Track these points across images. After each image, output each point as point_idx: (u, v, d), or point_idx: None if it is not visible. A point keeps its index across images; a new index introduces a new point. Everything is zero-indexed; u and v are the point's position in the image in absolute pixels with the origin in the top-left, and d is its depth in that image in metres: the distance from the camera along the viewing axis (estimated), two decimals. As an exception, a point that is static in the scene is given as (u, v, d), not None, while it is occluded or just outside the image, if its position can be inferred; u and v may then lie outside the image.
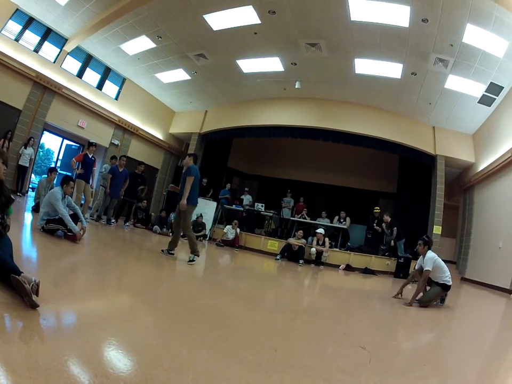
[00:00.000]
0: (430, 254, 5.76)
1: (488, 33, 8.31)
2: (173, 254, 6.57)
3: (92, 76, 13.05)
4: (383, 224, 11.45)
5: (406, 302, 5.70)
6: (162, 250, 6.59)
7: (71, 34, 11.48)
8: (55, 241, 5.22)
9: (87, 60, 12.65)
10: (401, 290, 6.03)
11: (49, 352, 1.79)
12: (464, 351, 3.54)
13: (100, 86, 13.28)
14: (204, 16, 9.63)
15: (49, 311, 2.37)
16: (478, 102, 11.07)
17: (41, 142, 13.25)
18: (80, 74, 12.57)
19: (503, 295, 8.83)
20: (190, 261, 6.21)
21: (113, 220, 10.12)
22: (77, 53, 12.22)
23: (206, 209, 12.38)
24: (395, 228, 11.00)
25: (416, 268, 6.10)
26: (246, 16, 9.40)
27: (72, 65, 12.37)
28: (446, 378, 2.68)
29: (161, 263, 6.19)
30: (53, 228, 5.49)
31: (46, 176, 9.16)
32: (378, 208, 12.21)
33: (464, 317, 6.01)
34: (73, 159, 9.31)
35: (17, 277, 2.32)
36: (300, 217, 12.96)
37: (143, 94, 14.48)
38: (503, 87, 10.11)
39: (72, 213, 5.81)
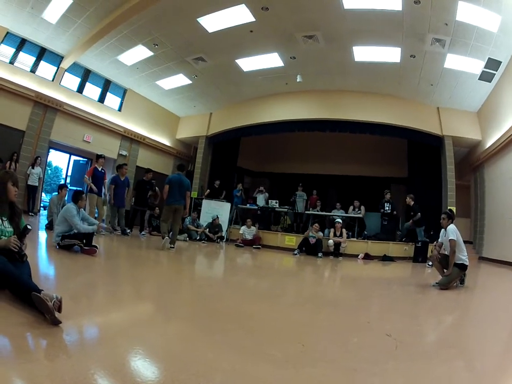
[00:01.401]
0: (452, 226, 5.80)
1: (480, 9, 8.26)
2: (173, 247, 8.08)
3: (92, 90, 13.18)
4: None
5: (430, 285, 5.79)
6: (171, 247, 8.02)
7: (67, 51, 11.60)
8: (72, 257, 5.28)
9: (86, 75, 12.77)
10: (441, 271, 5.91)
11: (74, 367, 1.80)
12: (488, 332, 3.50)
13: (101, 99, 13.41)
14: (197, 19, 9.68)
15: (72, 326, 2.40)
16: (478, 79, 11.00)
17: (48, 160, 13.34)
18: (80, 89, 12.70)
19: None
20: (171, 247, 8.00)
21: (128, 230, 10.16)
22: (75, 68, 12.35)
23: (221, 210, 12.48)
24: (419, 214, 10.80)
25: (437, 242, 6.13)
26: (240, 15, 9.43)
27: (71, 81, 12.53)
28: (472, 360, 2.66)
29: (179, 268, 6.37)
30: (69, 243, 5.55)
31: (57, 193, 9.19)
32: (389, 191, 12.12)
33: (485, 296, 5.92)
34: (86, 176, 9.40)
35: (39, 294, 2.35)
36: (314, 210, 12.95)
37: (146, 102, 14.58)
38: (501, 62, 10.07)
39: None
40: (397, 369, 2.31)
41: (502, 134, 10.75)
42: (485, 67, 10.36)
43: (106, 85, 13.45)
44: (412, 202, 11.00)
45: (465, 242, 6.38)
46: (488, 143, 11.91)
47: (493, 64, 10.18)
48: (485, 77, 10.82)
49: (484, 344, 3.07)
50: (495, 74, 10.64)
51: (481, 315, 4.49)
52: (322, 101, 13.10)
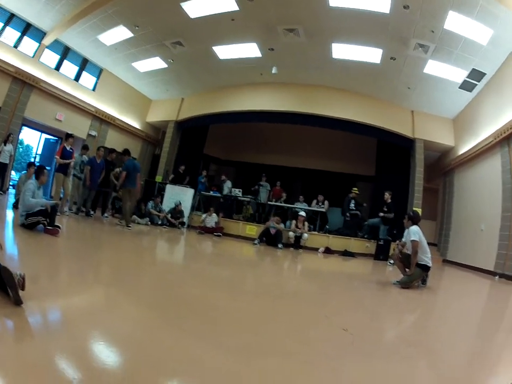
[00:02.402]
0: (415, 227, 5.78)
1: (471, 21, 8.30)
2: (130, 227, 8.80)
3: (69, 68, 12.84)
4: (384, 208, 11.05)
5: (390, 283, 5.78)
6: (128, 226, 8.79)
7: (50, 28, 11.28)
8: (35, 237, 5.13)
9: (65, 52, 12.43)
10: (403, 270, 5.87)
11: (36, 350, 1.77)
12: (449, 332, 3.53)
13: (77, 77, 13.08)
14: (181, 4, 9.50)
15: (34, 307, 2.32)
16: (459, 88, 11.09)
17: (20, 138, 12.99)
18: (58, 67, 12.37)
19: (487, 277, 8.90)
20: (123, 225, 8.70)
21: (92, 212, 9.98)
22: (55, 45, 12.01)
23: (184, 196, 12.28)
24: (393, 214, 10.70)
25: (400, 241, 6.11)
26: (224, 3, 9.33)
27: (50, 58, 12.16)
28: (433, 359, 2.63)
29: (142, 252, 6.30)
30: (33, 221, 5.37)
31: (26, 172, 8.97)
32: (356, 189, 12.10)
33: (447, 297, 5.95)
34: (56, 156, 9.06)
35: (9, 269, 2.23)
36: (278, 202, 12.90)
37: (120, 83, 14.32)
38: (486, 74, 10.14)
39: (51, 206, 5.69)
40: (353, 364, 2.28)
41: (477, 143, 10.90)
42: (467, 77, 10.45)
43: (83, 64, 13.14)
44: (390, 200, 10.88)
45: (430, 244, 6.42)
46: (461, 150, 12.08)
47: (476, 75, 10.27)
48: (466, 86, 10.93)
49: (445, 344, 3.08)
50: (477, 84, 10.74)
51: (442, 315, 4.50)
52: (296, 94, 13.05)
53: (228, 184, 13.47)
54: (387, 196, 10.89)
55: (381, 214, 10.74)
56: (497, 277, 8.60)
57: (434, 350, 2.83)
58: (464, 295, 6.44)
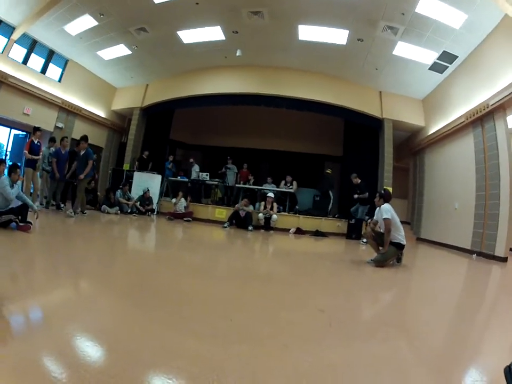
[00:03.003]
0: (387, 205, 5.74)
1: (445, 5, 8.26)
2: (85, 213, 8.95)
3: (36, 61, 12.42)
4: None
5: (364, 262, 5.80)
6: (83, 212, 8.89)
7: (19, 22, 10.87)
8: (8, 234, 5.02)
9: (32, 46, 12.00)
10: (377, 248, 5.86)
11: (17, 350, 1.72)
12: (427, 311, 3.48)
13: (43, 70, 12.68)
14: None
15: (8, 306, 2.25)
16: (428, 69, 11.12)
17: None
18: (25, 61, 11.92)
19: (464, 255, 9.00)
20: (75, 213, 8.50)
21: (62, 205, 9.71)
22: (23, 39, 11.55)
23: (152, 183, 12.12)
24: (367, 193, 10.49)
25: (372, 219, 6.10)
26: None
27: (18, 52, 11.75)
28: (411, 339, 2.60)
29: (113, 242, 6.28)
30: (5, 219, 5.25)
31: None
32: (330, 170, 12.23)
33: (423, 276, 5.95)
34: (25, 151, 9.00)
35: None
36: (246, 184, 12.84)
37: (85, 73, 13.96)
38: (458, 56, 10.16)
39: (21, 203, 5.59)
40: (331, 346, 2.22)
41: (447, 123, 11.02)
42: (438, 59, 10.45)
43: (50, 56, 12.74)
44: (359, 181, 10.73)
45: (402, 222, 6.40)
46: (432, 130, 12.20)
47: (447, 57, 10.27)
48: (437, 68, 10.95)
49: (422, 323, 3.05)
50: (448, 66, 10.76)
51: (419, 294, 4.49)
52: (261, 76, 12.92)
53: (196, 168, 13.35)
54: (355, 179, 10.73)
55: (356, 196, 10.62)
56: (474, 255, 8.69)
57: (413, 330, 2.81)
58: (441, 273, 6.44)
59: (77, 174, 8.85)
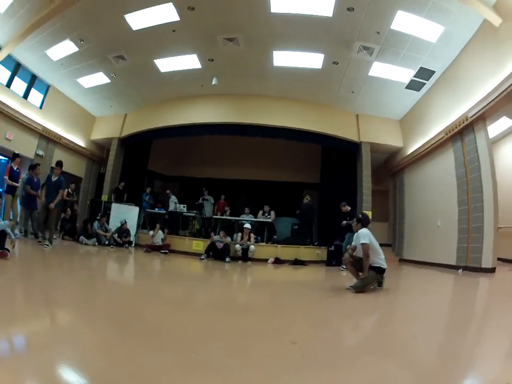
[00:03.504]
0: (364, 230, 5.68)
1: (420, 19, 8.36)
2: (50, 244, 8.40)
3: (19, 85, 12.30)
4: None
5: (346, 288, 5.64)
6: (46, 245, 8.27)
7: (4, 43, 10.74)
8: None
9: (16, 68, 11.89)
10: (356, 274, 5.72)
11: None
12: (410, 333, 3.37)
13: (26, 95, 12.57)
14: (125, 15, 9.31)
15: None
16: (405, 88, 11.22)
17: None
18: (9, 83, 11.78)
19: (450, 272, 8.94)
20: (46, 245, 8.22)
21: (40, 235, 9.40)
22: (7, 61, 11.37)
23: (129, 214, 12.09)
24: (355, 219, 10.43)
25: (351, 245, 5.96)
26: (166, 13, 9.19)
27: (2, 74, 11.62)
28: (395, 367, 2.42)
29: (91, 273, 6.20)
30: None
31: None
32: (309, 196, 12.25)
33: (405, 298, 5.82)
34: (5, 176, 8.88)
35: None
36: (222, 215, 12.85)
37: (65, 100, 13.87)
38: (435, 71, 10.27)
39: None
40: (301, 379, 2.08)
41: (427, 141, 11.10)
42: (415, 76, 10.57)
43: (32, 80, 12.63)
44: (349, 208, 10.27)
45: (384, 245, 6.35)
46: (410, 150, 12.28)
47: (424, 73, 10.39)
48: (414, 86, 11.08)
49: (408, 347, 2.90)
50: (425, 83, 10.88)
51: (402, 316, 4.35)
52: (236, 104, 12.99)
53: (173, 199, 13.30)
54: (345, 208, 10.24)
55: (344, 222, 10.01)
56: (460, 270, 8.66)
57: (395, 356, 2.63)
58: (425, 292, 6.37)
59: (47, 202, 8.65)
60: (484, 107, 8.27)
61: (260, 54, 10.61)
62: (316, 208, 13.04)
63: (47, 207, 8.79)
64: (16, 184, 8.99)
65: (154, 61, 11.35)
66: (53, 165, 10.74)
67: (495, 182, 8.49)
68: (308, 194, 12.76)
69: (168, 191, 13.74)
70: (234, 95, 12.90)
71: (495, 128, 10.32)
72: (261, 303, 4.94)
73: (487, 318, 4.23)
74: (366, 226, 5.83)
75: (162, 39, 10.28)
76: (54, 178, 8.79)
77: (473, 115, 8.67)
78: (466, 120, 8.95)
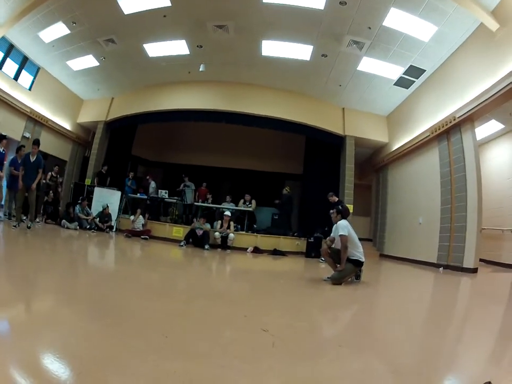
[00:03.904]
0: (343, 222, 5.68)
1: (414, 18, 8.41)
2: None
3: (10, 66, 12.23)
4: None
5: (323, 279, 5.65)
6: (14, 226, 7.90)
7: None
8: None
9: (9, 50, 11.80)
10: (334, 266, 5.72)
11: None
12: (385, 327, 3.37)
13: (16, 76, 12.48)
14: None
15: None
16: (394, 84, 11.27)
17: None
18: (1, 65, 11.75)
19: (431, 269, 9.09)
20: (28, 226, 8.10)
21: (24, 217, 9.42)
22: (1, 43, 11.37)
23: (111, 199, 12.08)
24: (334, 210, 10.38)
25: (330, 236, 5.97)
26: None
27: None
28: (366, 359, 2.38)
29: (69, 258, 6.10)
30: None
31: None
32: (288, 188, 12.37)
33: (382, 292, 5.88)
34: None
35: None
36: (204, 202, 12.86)
37: (54, 83, 13.82)
38: (425, 70, 10.35)
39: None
40: (271, 368, 2.06)
41: (412, 138, 11.25)
42: (404, 73, 10.64)
43: (24, 62, 12.55)
44: (336, 199, 10.16)
45: (365, 240, 6.37)
46: (395, 146, 12.38)
47: (414, 71, 10.47)
48: (402, 83, 11.17)
49: (380, 342, 2.87)
50: (414, 81, 10.95)
51: (379, 310, 4.39)
52: (223, 92, 12.98)
53: (153, 184, 13.38)
54: (332, 198, 10.18)
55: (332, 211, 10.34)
56: (441, 269, 8.82)
57: (367, 349, 2.60)
58: (403, 288, 6.42)
59: (27, 185, 8.28)
60: (472, 108, 8.40)
61: (249, 43, 10.63)
62: (296, 199, 13.17)
63: (27, 189, 8.41)
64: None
65: (144, 45, 11.35)
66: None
67: (480, 183, 8.59)
68: (288, 185, 12.83)
69: (148, 177, 13.83)
70: (221, 82, 12.89)
71: (484, 130, 10.45)
72: (236, 291, 4.93)
73: (466, 315, 4.29)
74: (345, 218, 5.84)
75: (152, 24, 10.28)
76: (32, 159, 8.43)
77: (461, 116, 8.80)
78: (454, 120, 9.07)
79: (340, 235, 5.50)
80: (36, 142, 8.62)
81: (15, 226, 7.90)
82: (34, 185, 8.27)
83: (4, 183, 9.49)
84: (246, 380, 1.89)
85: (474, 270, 8.24)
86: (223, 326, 2.92)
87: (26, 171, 8.34)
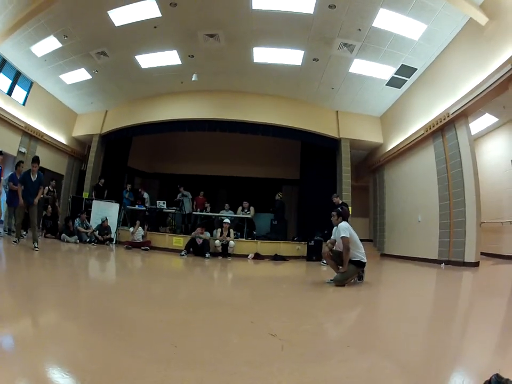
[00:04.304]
0: (344, 224, 5.68)
1: (403, 17, 8.46)
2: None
3: (3, 81, 12.19)
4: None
5: (326, 282, 5.66)
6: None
7: None
8: None
9: (1, 65, 11.82)
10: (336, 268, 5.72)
11: None
12: (392, 326, 3.35)
13: (10, 91, 12.52)
14: (108, 11, 9.33)
15: None
16: (386, 85, 11.37)
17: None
18: None
19: (432, 266, 9.10)
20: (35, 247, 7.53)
21: (24, 232, 9.50)
22: None
23: (109, 211, 12.07)
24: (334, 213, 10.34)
25: (330, 239, 5.98)
26: (148, 9, 9.22)
27: None
28: (375, 359, 2.38)
29: (72, 272, 6.07)
30: None
31: None
32: (280, 194, 12.60)
33: (386, 292, 5.84)
34: None
35: None
36: (202, 211, 12.90)
37: (48, 97, 13.82)
38: (416, 69, 10.42)
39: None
40: (282, 371, 2.04)
41: (407, 137, 11.28)
42: (395, 73, 10.72)
43: (16, 77, 12.56)
44: (340, 201, 10.13)
45: (365, 240, 6.38)
46: (390, 146, 12.44)
47: (405, 70, 10.55)
48: (394, 83, 11.24)
49: (388, 341, 2.86)
50: (406, 80, 11.03)
51: (384, 309, 4.38)
52: (216, 101, 13.02)
53: (145, 195, 13.46)
54: (336, 199, 10.15)
55: (333, 214, 10.29)
56: (443, 265, 8.85)
57: (375, 349, 2.59)
58: (407, 286, 6.42)
59: (27, 201, 7.98)
60: (465, 104, 8.45)
61: (240, 50, 10.69)
62: (294, 204, 13.38)
63: (27, 206, 8.09)
64: None
65: (136, 57, 11.39)
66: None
67: (477, 177, 8.65)
68: (281, 191, 13.04)
69: (140, 189, 13.89)
70: (214, 91, 12.94)
71: (478, 124, 10.55)
72: (240, 298, 4.92)
73: (471, 309, 4.29)
74: (346, 220, 5.85)
75: (143, 35, 10.32)
76: (33, 177, 8.11)
77: (455, 112, 8.85)
78: (448, 116, 9.13)
79: (342, 237, 5.52)
80: (36, 160, 8.28)
81: (15, 242, 7.82)
82: (36, 201, 8.05)
83: (3, 198, 9.46)
84: (258, 382, 1.88)
85: (476, 264, 8.28)
86: (230, 333, 2.90)
87: (28, 189, 8.05)
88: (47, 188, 11.37)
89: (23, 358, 1.94)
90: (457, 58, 8.90)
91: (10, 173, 9.75)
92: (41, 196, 8.99)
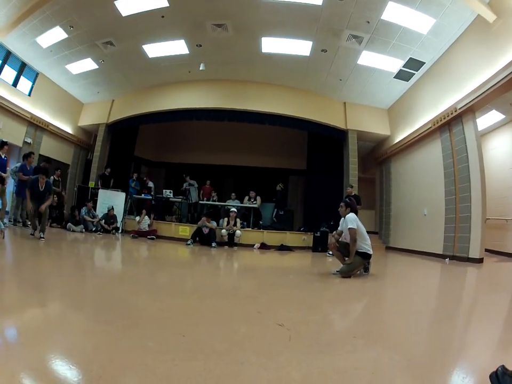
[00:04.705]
0: (352, 215, 5.66)
1: (412, 11, 8.39)
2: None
3: (9, 73, 12.23)
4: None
5: (332, 273, 5.67)
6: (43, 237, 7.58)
7: None
8: None
9: (6, 57, 11.80)
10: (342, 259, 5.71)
11: None
12: (397, 318, 3.35)
13: (15, 83, 12.50)
14: (114, 2, 9.29)
15: None
16: (394, 77, 11.30)
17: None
18: None
19: (437, 260, 9.09)
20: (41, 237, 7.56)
21: (29, 222, 9.38)
22: None
23: (116, 200, 12.09)
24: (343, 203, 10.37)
25: (337, 230, 5.96)
26: None
27: None
28: (382, 350, 2.37)
29: (78, 261, 6.08)
30: None
31: None
32: (282, 184, 12.76)
33: (392, 283, 5.89)
34: None
35: None
36: (209, 200, 12.91)
37: (53, 87, 13.83)
38: (424, 63, 10.36)
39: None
40: (290, 361, 2.04)
41: (414, 131, 11.26)
42: (403, 66, 10.64)
43: (22, 68, 12.55)
44: (353, 193, 10.26)
45: (370, 232, 6.38)
46: (397, 139, 12.39)
47: (413, 64, 10.47)
48: (402, 76, 11.17)
49: (394, 333, 2.88)
50: (414, 74, 10.96)
51: (389, 301, 4.39)
52: (223, 90, 12.97)
53: (150, 184, 13.54)
54: (350, 190, 10.28)
55: (341, 204, 10.31)
56: (447, 259, 8.85)
57: (381, 340, 2.61)
58: (412, 279, 6.43)
59: (36, 207, 7.83)
60: (473, 99, 8.38)
61: (248, 40, 10.62)
62: (298, 195, 13.55)
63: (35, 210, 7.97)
64: (3, 174, 8.73)
65: (143, 46, 11.34)
66: (38, 153, 10.26)
67: (483, 173, 8.58)
68: (281, 182, 13.11)
69: (145, 178, 13.97)
70: (222, 80, 12.90)
71: (485, 120, 10.44)
72: (247, 288, 4.92)
73: (476, 304, 4.29)
74: (354, 211, 5.83)
75: (151, 24, 10.27)
76: (41, 187, 7.93)
77: (462, 107, 8.79)
78: (455, 111, 9.07)
79: (349, 228, 5.50)
80: (44, 172, 8.15)
81: (32, 234, 7.78)
82: (43, 207, 7.85)
83: (9, 189, 9.50)
84: (266, 374, 1.88)
85: (480, 260, 8.24)
86: (238, 322, 2.91)
87: (36, 196, 7.93)
88: (52, 177, 11.29)
89: (29, 348, 1.94)
90: (465, 53, 8.82)
91: (19, 163, 9.80)
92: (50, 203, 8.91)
